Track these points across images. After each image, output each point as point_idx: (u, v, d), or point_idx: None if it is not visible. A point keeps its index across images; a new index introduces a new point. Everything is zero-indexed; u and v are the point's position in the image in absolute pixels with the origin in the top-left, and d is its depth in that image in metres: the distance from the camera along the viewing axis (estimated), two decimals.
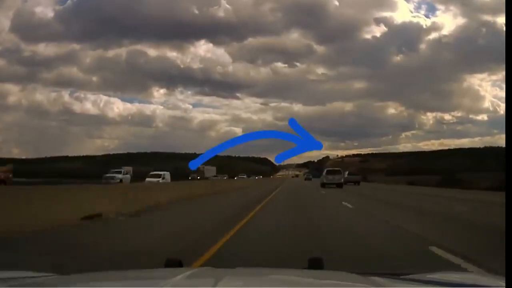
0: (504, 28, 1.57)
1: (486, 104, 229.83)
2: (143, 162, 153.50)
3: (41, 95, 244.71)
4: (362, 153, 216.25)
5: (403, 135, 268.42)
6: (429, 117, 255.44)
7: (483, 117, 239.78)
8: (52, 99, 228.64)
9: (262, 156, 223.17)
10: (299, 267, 1.90)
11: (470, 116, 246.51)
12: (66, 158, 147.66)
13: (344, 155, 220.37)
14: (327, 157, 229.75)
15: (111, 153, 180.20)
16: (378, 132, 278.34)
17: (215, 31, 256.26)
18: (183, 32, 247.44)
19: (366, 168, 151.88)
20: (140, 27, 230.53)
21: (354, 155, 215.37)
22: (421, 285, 1.60)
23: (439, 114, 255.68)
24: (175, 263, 1.77)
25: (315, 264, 1.83)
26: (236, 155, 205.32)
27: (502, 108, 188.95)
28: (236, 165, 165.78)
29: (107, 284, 1.50)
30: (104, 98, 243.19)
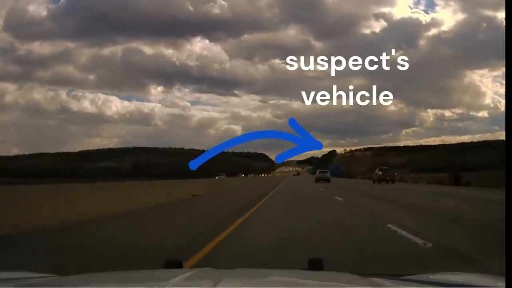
0: (504, 24, 1.81)
1: (487, 100, 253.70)
2: (121, 158, 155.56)
3: (38, 94, 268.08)
4: (375, 146, 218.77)
5: (404, 132, 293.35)
6: (430, 114, 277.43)
7: (484, 113, 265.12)
8: (50, 98, 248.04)
9: (259, 152, 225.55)
10: (299, 268, 2.14)
11: (471, 113, 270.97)
12: (47, 155, 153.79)
13: (353, 149, 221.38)
14: (333, 152, 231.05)
15: (91, 148, 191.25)
16: (378, 129, 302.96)
17: (211, 28, 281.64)
18: (178, 28, 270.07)
19: (382, 164, 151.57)
20: (134, 24, 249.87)
21: (365, 149, 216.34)
22: (421, 285, 1.82)
23: (439, 111, 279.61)
24: (175, 264, 1.99)
25: (315, 265, 2.06)
26: (230, 151, 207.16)
27: (503, 105, 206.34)
28: (230, 161, 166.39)
29: (107, 285, 1.72)
30: (102, 96, 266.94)
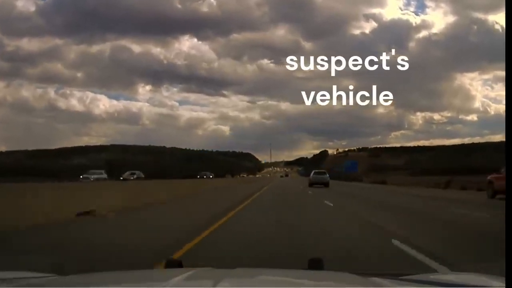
0: (505, 27, 1.97)
1: (477, 104, 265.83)
2: (96, 156, 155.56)
3: (27, 92, 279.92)
4: (370, 147, 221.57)
5: (392, 135, 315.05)
6: (419, 117, 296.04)
7: (473, 117, 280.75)
8: (38, 96, 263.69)
9: (245, 151, 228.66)
10: (299, 267, 2.29)
11: (460, 116, 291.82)
12: (24, 152, 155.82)
13: (346, 150, 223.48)
14: (324, 152, 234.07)
15: (68, 146, 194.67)
16: (366, 131, 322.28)
17: (199, 26, 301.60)
18: (167, 26, 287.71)
19: (378, 165, 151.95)
20: (123, 21, 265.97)
21: (359, 149, 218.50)
22: (421, 285, 1.95)
23: (428, 114, 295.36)
24: (175, 264, 2.13)
25: (315, 264, 2.21)
26: (214, 150, 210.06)
27: (492, 109, 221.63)
28: (214, 160, 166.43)
29: (107, 285, 1.84)
30: (91, 95, 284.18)
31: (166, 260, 2.17)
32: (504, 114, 1.98)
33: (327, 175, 42.51)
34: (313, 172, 43.94)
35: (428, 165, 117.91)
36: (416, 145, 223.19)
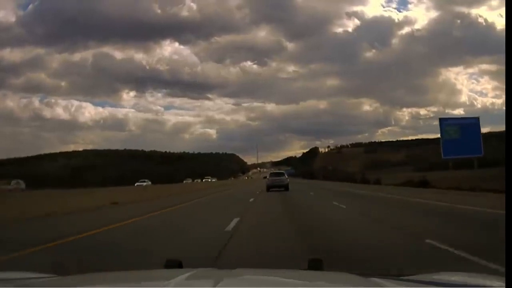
0: (504, 26, 2.13)
1: (463, 98, 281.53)
2: (65, 162, 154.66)
3: (12, 102, 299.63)
4: (363, 142, 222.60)
5: (380, 131, 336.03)
6: (405, 113, 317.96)
7: (460, 111, 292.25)
8: (23, 106, 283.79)
9: (229, 152, 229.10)
10: (299, 268, 2.45)
11: (447, 110, 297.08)
12: None
13: (339, 146, 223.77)
14: (314, 150, 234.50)
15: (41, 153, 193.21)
16: (354, 129, 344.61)
17: (180, 30, 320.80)
18: (148, 31, 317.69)
19: (378, 161, 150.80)
20: (104, 28, 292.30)
21: (353, 145, 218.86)
22: (421, 285, 2.09)
23: (414, 110, 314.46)
24: (175, 264, 2.28)
25: (315, 265, 2.37)
26: (196, 151, 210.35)
27: (479, 102, 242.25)
28: (194, 162, 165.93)
29: (107, 285, 1.99)
30: (76, 103, 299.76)
31: (166, 260, 2.31)
32: (504, 111, 2.12)
33: (286, 177, 38.37)
34: (269, 174, 40.93)
35: (431, 160, 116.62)
36: (415, 138, 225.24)
